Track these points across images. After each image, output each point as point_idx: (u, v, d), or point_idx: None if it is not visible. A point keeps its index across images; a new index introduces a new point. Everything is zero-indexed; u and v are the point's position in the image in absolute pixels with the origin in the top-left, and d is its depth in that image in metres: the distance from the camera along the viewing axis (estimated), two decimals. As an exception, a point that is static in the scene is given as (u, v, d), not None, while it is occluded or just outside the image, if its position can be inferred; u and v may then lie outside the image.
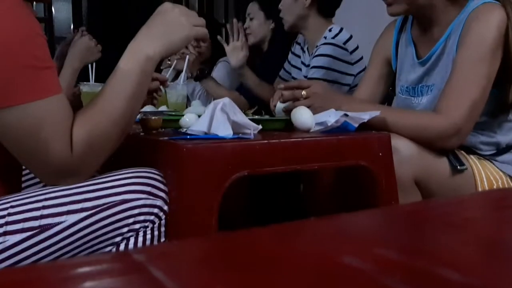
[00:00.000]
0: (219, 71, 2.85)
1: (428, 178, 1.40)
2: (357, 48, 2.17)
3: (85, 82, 2.07)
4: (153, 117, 1.28)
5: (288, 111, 1.46)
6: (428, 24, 1.56)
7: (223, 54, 2.94)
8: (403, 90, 1.65)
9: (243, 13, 2.56)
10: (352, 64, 2.14)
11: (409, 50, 1.65)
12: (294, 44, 2.47)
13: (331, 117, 1.31)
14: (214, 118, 1.16)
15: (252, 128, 1.18)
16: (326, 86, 1.55)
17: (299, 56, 2.43)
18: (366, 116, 1.31)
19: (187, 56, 2.42)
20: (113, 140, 1.03)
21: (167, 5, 1.12)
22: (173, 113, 1.57)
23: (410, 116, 1.45)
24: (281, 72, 2.50)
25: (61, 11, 6.13)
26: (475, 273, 0.44)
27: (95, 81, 2.12)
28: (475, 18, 1.42)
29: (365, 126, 1.33)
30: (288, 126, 1.39)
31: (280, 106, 1.50)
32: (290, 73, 2.46)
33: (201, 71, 2.59)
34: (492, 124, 1.51)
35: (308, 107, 1.40)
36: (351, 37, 2.18)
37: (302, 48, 2.41)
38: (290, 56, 2.49)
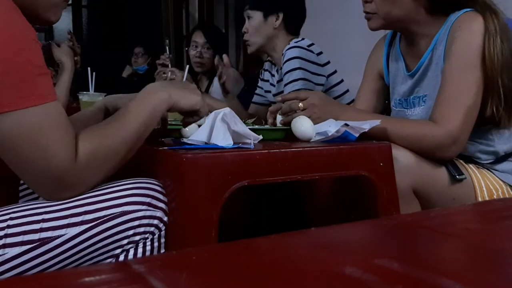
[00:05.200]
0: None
1: (427, 188, 1.40)
2: (321, 53, 2.20)
3: (84, 92, 2.07)
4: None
5: (285, 123, 1.46)
6: (414, 37, 1.59)
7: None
8: (396, 103, 1.68)
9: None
10: (322, 65, 2.17)
11: (399, 63, 1.67)
12: (262, 71, 2.52)
13: (332, 127, 1.31)
14: (214, 128, 1.16)
15: (252, 138, 1.18)
16: (323, 97, 1.55)
17: (268, 81, 2.48)
18: (366, 126, 1.31)
19: (187, 66, 2.44)
20: (119, 158, 1.02)
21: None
22: (173, 123, 1.56)
23: (408, 125, 1.46)
24: (256, 98, 2.53)
25: (61, 21, 6.14)
26: (476, 284, 0.44)
27: (95, 91, 2.11)
28: (458, 27, 1.45)
29: (364, 136, 1.34)
30: (289, 136, 1.39)
31: (280, 118, 1.50)
32: (265, 97, 2.50)
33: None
34: (490, 132, 1.52)
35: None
36: (313, 43, 2.21)
37: (270, 73, 2.46)
38: (260, 83, 2.53)
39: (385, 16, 1.54)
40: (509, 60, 1.42)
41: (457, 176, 1.42)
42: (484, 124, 1.48)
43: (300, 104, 1.47)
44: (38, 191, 1.03)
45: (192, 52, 2.87)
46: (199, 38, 2.93)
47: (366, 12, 1.59)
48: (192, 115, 1.20)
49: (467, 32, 1.43)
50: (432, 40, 1.53)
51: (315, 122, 1.41)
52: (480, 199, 1.44)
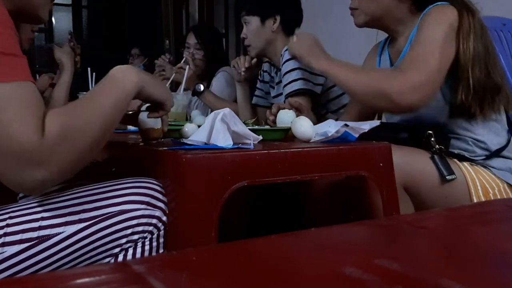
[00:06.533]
0: (218, 81, 2.87)
1: (418, 186, 1.43)
2: None
3: (84, 92, 2.07)
4: (153, 127, 1.28)
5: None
6: (395, 35, 1.68)
7: (224, 64, 2.97)
8: None
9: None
10: None
11: (386, 59, 1.74)
12: (261, 73, 2.53)
13: (331, 127, 1.31)
14: (214, 128, 1.16)
15: (252, 139, 1.18)
16: (317, 41, 1.69)
17: (267, 82, 2.50)
18: (366, 126, 1.31)
19: (187, 67, 2.44)
20: (90, 138, 0.94)
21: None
22: (173, 123, 1.56)
23: (366, 73, 1.53)
24: (254, 100, 2.55)
25: (61, 21, 6.15)
26: (476, 284, 0.44)
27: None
28: (427, 15, 1.52)
29: (364, 136, 1.34)
30: (289, 136, 1.39)
31: (281, 117, 1.51)
32: (266, 99, 2.52)
33: (199, 86, 2.63)
34: (475, 124, 1.54)
35: None
36: None
37: (269, 74, 2.47)
38: (259, 84, 2.55)
39: (366, 12, 1.63)
40: (482, 54, 1.47)
41: (447, 177, 1.43)
42: (457, 113, 1.52)
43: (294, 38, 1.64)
44: (6, 172, 0.90)
45: (186, 53, 2.90)
46: (191, 39, 2.96)
47: (351, 8, 1.68)
48: (157, 109, 1.18)
49: (434, 18, 1.50)
50: (409, 36, 1.60)
51: (299, 48, 1.62)
52: (474, 198, 1.45)
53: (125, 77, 1.05)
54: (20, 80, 0.89)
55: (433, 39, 1.46)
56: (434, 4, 1.53)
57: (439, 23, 1.47)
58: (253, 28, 2.27)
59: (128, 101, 1.05)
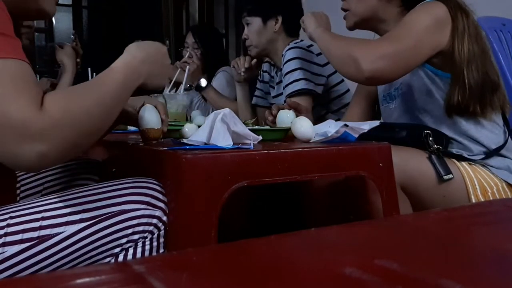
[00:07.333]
0: (218, 80, 2.88)
1: (416, 185, 1.43)
2: (320, 53, 2.18)
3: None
4: (153, 127, 1.28)
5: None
6: None
7: (224, 64, 2.98)
8: (382, 100, 1.75)
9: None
10: (322, 66, 2.17)
11: None
12: (261, 73, 2.53)
13: (331, 127, 1.31)
14: (214, 128, 1.16)
15: (252, 139, 1.18)
16: (324, 16, 1.74)
17: (267, 82, 2.50)
18: (366, 126, 1.31)
19: (188, 67, 2.45)
20: (94, 118, 0.91)
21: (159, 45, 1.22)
22: (173, 123, 1.56)
23: (345, 40, 1.55)
24: (254, 100, 2.56)
25: (62, 22, 6.14)
26: (476, 284, 0.44)
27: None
28: (413, 10, 1.53)
29: (364, 137, 1.34)
30: (288, 136, 1.39)
31: (281, 117, 1.51)
32: (266, 99, 2.53)
33: (202, 81, 2.64)
34: (474, 124, 1.54)
35: None
36: (312, 44, 2.20)
37: (269, 74, 2.48)
38: (259, 85, 2.56)
39: (355, 13, 1.67)
40: (477, 55, 1.48)
41: (444, 177, 1.44)
42: (456, 113, 1.52)
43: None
44: (4, 148, 0.84)
45: (184, 53, 2.92)
46: (189, 39, 2.98)
47: (343, 9, 1.71)
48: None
49: (419, 9, 1.51)
50: None
51: (311, 15, 1.68)
52: (472, 197, 1.45)
53: (135, 69, 1.05)
54: (12, 58, 0.85)
55: (413, 23, 1.48)
56: (423, 3, 1.54)
57: (424, 13, 1.49)
58: (254, 29, 2.27)
59: (130, 92, 1.05)
